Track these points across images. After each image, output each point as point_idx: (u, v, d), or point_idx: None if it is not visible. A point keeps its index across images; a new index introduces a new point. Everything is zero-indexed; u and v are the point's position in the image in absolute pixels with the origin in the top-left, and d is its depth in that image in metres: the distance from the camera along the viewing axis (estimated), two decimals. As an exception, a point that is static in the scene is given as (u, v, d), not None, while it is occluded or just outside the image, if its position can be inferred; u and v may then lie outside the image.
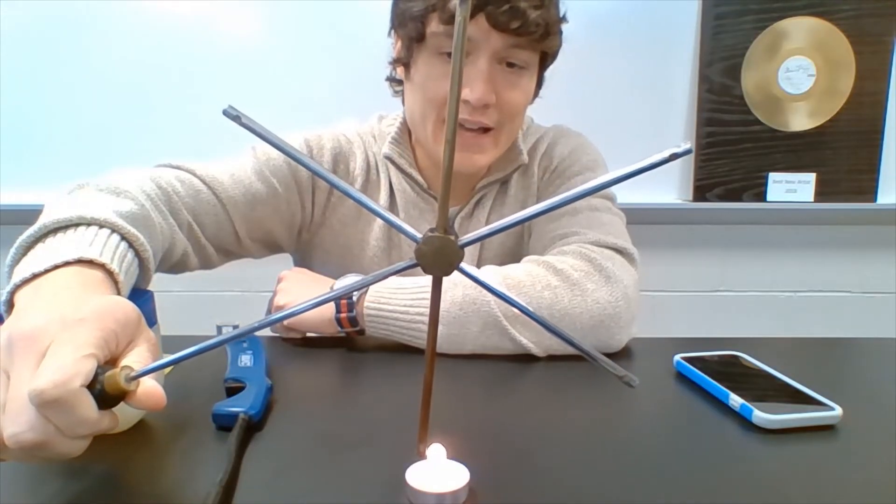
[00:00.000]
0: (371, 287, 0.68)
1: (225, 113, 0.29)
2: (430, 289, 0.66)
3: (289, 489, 0.41)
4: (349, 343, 0.69)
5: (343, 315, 0.67)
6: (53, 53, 1.42)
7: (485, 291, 0.65)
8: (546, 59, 0.77)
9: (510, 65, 0.72)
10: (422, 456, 0.36)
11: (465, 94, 0.70)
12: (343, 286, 0.68)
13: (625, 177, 0.29)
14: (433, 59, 0.72)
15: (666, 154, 0.27)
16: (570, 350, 0.62)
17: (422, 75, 0.74)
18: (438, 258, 0.30)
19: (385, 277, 0.33)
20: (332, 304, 0.68)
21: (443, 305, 0.65)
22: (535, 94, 0.81)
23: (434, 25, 0.70)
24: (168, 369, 0.60)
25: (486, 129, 0.74)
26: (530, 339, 0.65)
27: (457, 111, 0.28)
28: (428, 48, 0.72)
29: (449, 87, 0.28)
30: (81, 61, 1.43)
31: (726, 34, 1.45)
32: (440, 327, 0.63)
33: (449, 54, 0.71)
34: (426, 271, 0.31)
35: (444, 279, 0.68)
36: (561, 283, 0.67)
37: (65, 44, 1.42)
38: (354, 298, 0.67)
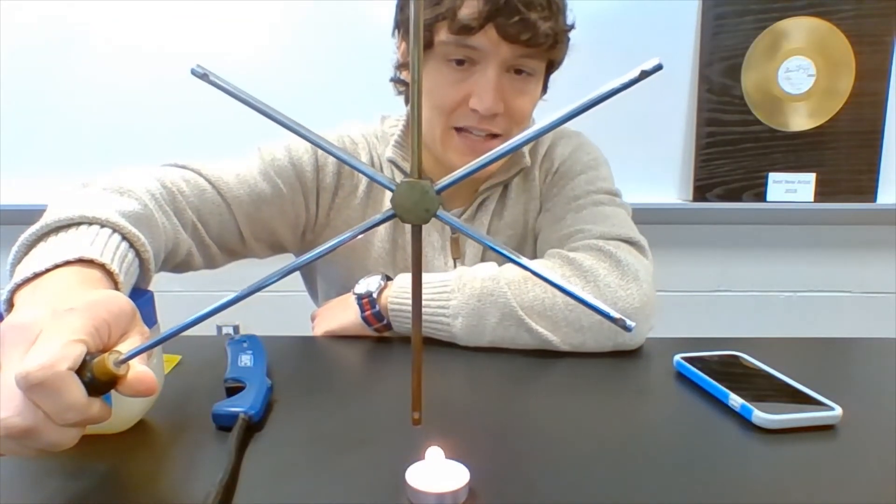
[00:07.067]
0: (394, 283, 0.71)
1: (193, 72, 0.29)
2: (452, 283, 0.68)
3: (289, 489, 0.41)
4: (349, 343, 0.69)
5: (368, 313, 0.70)
6: (55, 54, 1.43)
7: (501, 283, 0.66)
8: (553, 65, 0.78)
9: (518, 71, 0.73)
10: (416, 424, 0.35)
11: (474, 102, 0.71)
12: (360, 286, 0.72)
13: (597, 100, 0.27)
14: (441, 66, 0.72)
15: (636, 73, 0.26)
16: (589, 344, 0.66)
17: (429, 82, 0.73)
18: (415, 206, 0.30)
19: (361, 233, 0.33)
20: (356, 307, 0.70)
21: (461, 297, 0.67)
22: (539, 98, 0.81)
23: (443, 34, 0.70)
24: (168, 367, 0.60)
25: (493, 135, 0.75)
26: (548, 329, 0.65)
27: (419, 98, 0.28)
28: (436, 55, 0.72)
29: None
30: (83, 61, 1.43)
31: (726, 34, 1.45)
32: (459, 319, 0.66)
33: (457, 62, 0.71)
34: (403, 220, 0.30)
35: (465, 272, 0.70)
36: (573, 272, 0.67)
37: (67, 44, 1.42)
38: (374, 295, 0.70)
